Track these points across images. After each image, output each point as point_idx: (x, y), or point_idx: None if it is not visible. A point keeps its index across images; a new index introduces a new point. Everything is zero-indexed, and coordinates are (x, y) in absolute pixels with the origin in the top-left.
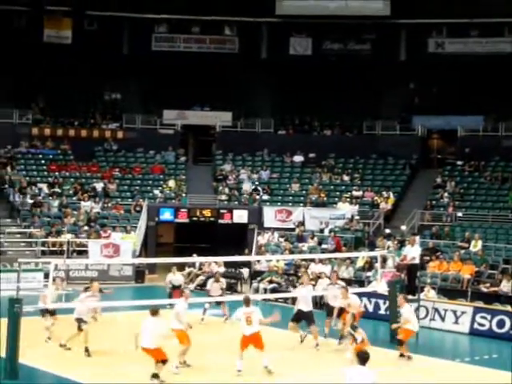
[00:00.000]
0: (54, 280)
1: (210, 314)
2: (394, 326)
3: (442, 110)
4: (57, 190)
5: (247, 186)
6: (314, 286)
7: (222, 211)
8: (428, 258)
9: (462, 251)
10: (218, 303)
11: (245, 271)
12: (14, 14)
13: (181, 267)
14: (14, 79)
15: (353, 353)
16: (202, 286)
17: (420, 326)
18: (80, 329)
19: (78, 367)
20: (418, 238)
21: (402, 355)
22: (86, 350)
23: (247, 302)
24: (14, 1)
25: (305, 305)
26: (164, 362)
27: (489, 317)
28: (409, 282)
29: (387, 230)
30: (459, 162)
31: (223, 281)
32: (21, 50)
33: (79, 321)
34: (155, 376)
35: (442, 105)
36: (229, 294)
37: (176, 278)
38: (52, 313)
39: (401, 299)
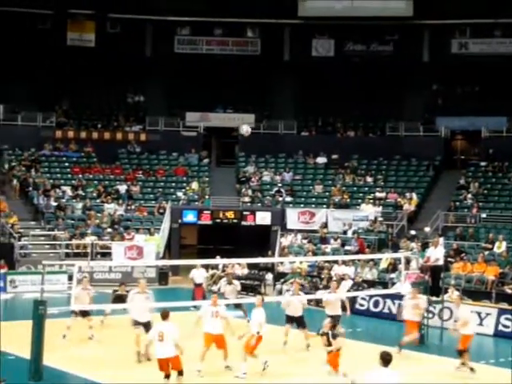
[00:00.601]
0: (80, 281)
1: (235, 316)
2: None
3: (466, 110)
4: (80, 192)
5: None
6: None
7: (245, 213)
8: (452, 259)
9: (486, 252)
10: (237, 305)
11: (268, 276)
12: (37, 18)
13: (204, 269)
14: (37, 82)
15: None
16: None
17: (444, 328)
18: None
19: (101, 369)
20: (441, 239)
21: (463, 364)
22: (138, 353)
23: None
24: (37, 4)
25: (295, 310)
26: (180, 372)
27: None
28: (433, 283)
29: (411, 232)
30: (483, 163)
31: (237, 283)
32: (44, 53)
33: (135, 323)
34: None
35: (466, 106)
36: (252, 295)
37: (199, 273)
38: (84, 314)
39: (457, 300)
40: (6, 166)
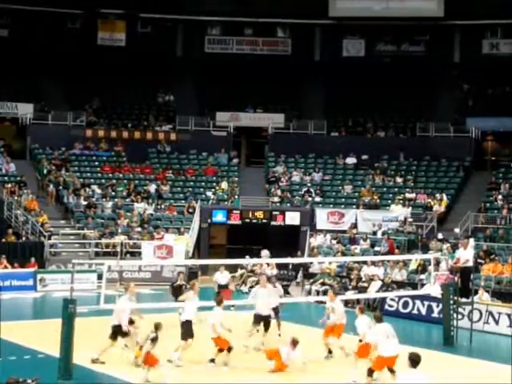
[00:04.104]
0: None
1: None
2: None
3: (496, 111)
4: (110, 191)
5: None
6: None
7: (274, 213)
8: (482, 260)
9: None
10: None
11: (299, 276)
12: (68, 17)
13: (233, 269)
14: (68, 82)
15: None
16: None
17: (473, 330)
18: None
19: (131, 368)
20: (471, 240)
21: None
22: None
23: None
24: (68, 4)
25: (264, 308)
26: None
27: None
28: (462, 284)
29: (440, 235)
30: None
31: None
32: (75, 52)
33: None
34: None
35: (497, 106)
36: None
37: (223, 276)
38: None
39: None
40: (45, 171)
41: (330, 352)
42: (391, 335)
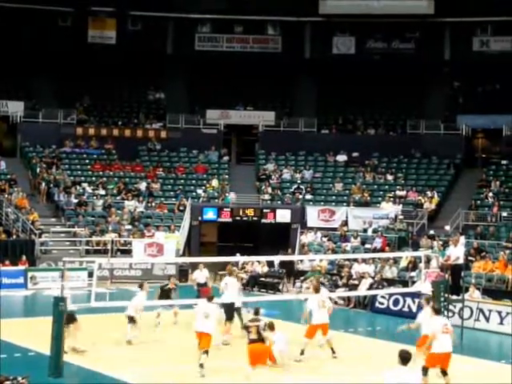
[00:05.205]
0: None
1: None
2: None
3: (487, 108)
4: (101, 189)
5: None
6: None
7: (264, 211)
8: (473, 258)
9: (507, 251)
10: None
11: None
12: (58, 15)
13: (223, 267)
14: (58, 80)
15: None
16: (246, 285)
17: (464, 327)
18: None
19: (123, 366)
20: (462, 237)
21: None
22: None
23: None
24: (58, 2)
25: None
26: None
27: None
28: (453, 282)
29: (431, 233)
30: (504, 162)
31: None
32: (66, 50)
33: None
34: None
35: (487, 104)
36: (272, 293)
37: (202, 274)
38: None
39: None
40: (38, 171)
41: (333, 352)
42: (445, 330)
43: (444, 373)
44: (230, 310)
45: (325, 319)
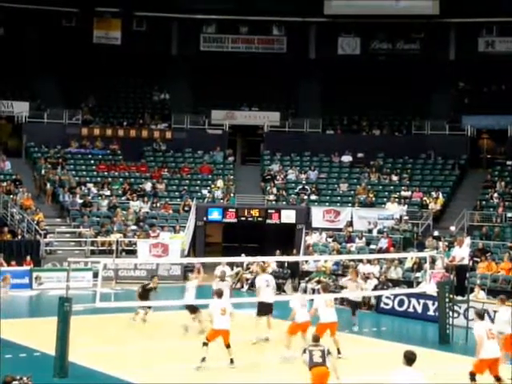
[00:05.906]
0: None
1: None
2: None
3: (492, 109)
4: (106, 189)
5: None
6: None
7: (269, 211)
8: (478, 258)
9: None
10: None
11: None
12: (63, 16)
13: (229, 267)
14: (63, 80)
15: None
16: (251, 285)
17: (469, 328)
18: None
19: (128, 366)
20: (467, 238)
21: None
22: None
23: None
24: (63, 2)
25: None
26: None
27: None
28: (458, 283)
29: (436, 233)
30: (509, 162)
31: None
32: (70, 51)
33: None
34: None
35: (492, 104)
36: (277, 293)
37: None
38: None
39: None
40: (43, 172)
41: (338, 352)
42: (490, 335)
43: (497, 379)
44: (266, 308)
45: (333, 318)
